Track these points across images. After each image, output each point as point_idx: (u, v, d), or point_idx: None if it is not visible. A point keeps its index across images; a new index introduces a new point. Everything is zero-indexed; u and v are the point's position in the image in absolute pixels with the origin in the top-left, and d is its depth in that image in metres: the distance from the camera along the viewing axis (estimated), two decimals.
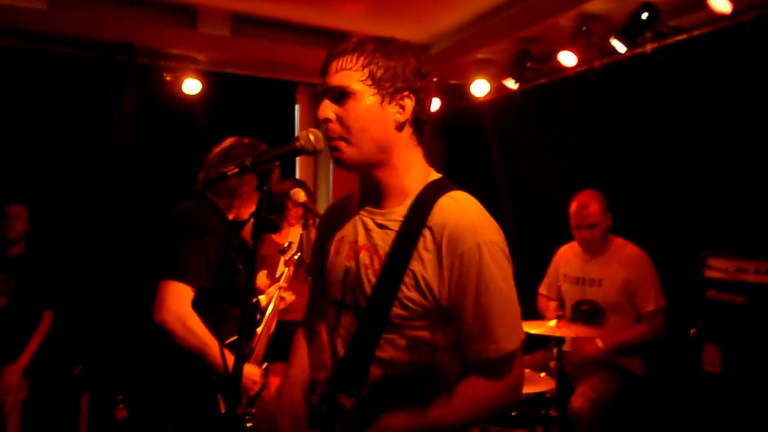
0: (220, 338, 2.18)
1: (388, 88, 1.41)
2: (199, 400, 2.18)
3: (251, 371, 2.33)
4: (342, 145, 1.42)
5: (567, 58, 3.76)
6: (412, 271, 1.39)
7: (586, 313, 3.42)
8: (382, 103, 1.41)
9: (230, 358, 2.09)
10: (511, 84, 4.25)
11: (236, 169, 1.36)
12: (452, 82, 5.07)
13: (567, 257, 3.65)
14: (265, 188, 1.34)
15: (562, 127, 4.28)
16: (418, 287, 1.38)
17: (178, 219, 2.29)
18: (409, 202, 1.45)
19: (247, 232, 2.85)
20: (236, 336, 2.24)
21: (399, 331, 1.41)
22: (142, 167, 4.27)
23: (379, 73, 1.40)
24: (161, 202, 2.67)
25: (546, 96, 4.39)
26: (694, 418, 2.87)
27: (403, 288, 1.39)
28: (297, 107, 5.24)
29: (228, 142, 2.41)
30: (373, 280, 1.43)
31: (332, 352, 1.53)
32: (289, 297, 3.05)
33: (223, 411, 2.15)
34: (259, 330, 2.57)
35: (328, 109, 1.42)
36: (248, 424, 2.31)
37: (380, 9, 4.20)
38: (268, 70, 4.81)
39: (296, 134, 1.42)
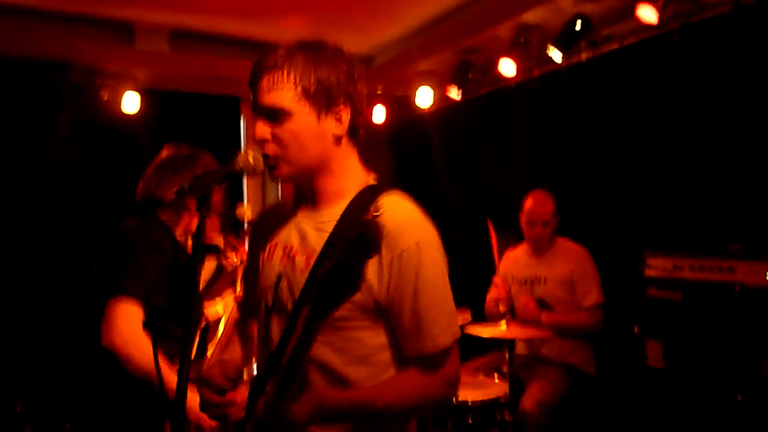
0: (170, 361, 2.12)
1: (322, 101, 1.40)
2: (145, 428, 2.10)
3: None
4: (278, 164, 1.41)
5: (507, 68, 3.85)
6: (349, 270, 1.36)
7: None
8: (318, 119, 1.40)
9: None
10: (454, 94, 4.32)
11: (173, 195, 1.34)
12: (397, 94, 5.12)
13: (513, 260, 3.75)
14: (204, 212, 1.32)
15: (506, 135, 4.37)
16: (354, 285, 1.32)
17: (122, 237, 2.18)
18: (344, 203, 1.45)
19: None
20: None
21: (334, 332, 1.39)
22: (82, 188, 4.12)
23: (312, 88, 1.39)
24: (103, 223, 2.57)
25: (489, 105, 4.48)
26: (642, 413, 2.96)
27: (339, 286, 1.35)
28: (242, 121, 5.18)
29: (165, 153, 2.29)
30: (305, 280, 1.40)
31: (264, 356, 1.51)
32: None
33: None
34: (211, 350, 2.51)
35: (262, 130, 1.41)
36: None
37: (321, 21, 4.19)
38: (211, 85, 4.74)
39: (235, 157, 1.41)
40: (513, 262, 3.73)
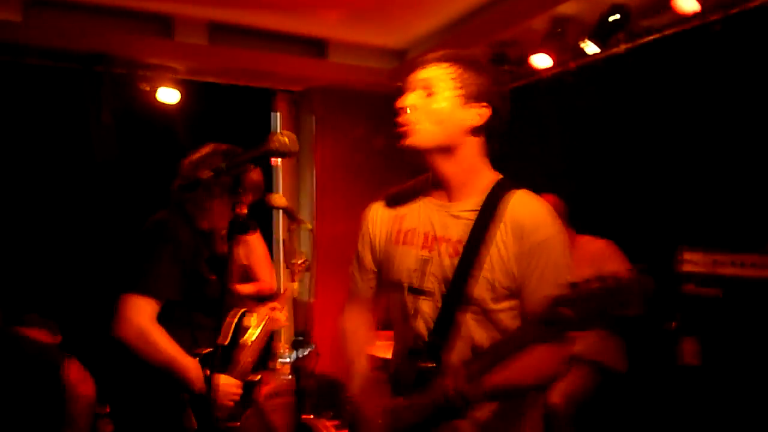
0: (188, 350, 2.16)
1: (470, 94, 1.54)
2: (166, 416, 2.15)
3: (228, 383, 2.22)
4: (411, 129, 1.53)
5: (542, 61, 3.81)
6: (494, 255, 1.51)
7: None
8: (463, 104, 1.54)
9: (198, 371, 2.09)
10: None
11: (211, 173, 1.37)
12: None
13: None
14: (240, 189, 1.35)
15: (539, 129, 4.32)
16: (502, 270, 1.51)
17: (142, 231, 2.24)
18: (482, 196, 1.58)
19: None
20: (211, 348, 2.21)
21: (482, 314, 1.53)
22: (121, 178, 4.22)
23: (467, 82, 1.54)
24: (140, 214, 2.64)
25: (522, 99, 4.43)
26: (675, 411, 2.91)
27: (487, 269, 1.51)
28: (276, 115, 5.24)
29: (204, 149, 2.33)
30: (455, 266, 1.54)
31: (414, 337, 1.60)
32: (283, 319, 2.76)
33: (195, 426, 2.12)
34: (245, 340, 2.52)
35: (409, 99, 1.55)
36: None
37: (357, 16, 4.22)
38: (247, 78, 4.81)
39: (270, 137, 1.44)
40: None
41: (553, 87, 4.12)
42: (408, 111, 1.54)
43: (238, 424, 2.27)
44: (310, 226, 2.83)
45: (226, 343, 2.26)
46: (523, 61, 4.09)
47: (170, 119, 4.36)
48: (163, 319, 2.14)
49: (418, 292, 1.60)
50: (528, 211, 1.55)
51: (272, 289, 2.83)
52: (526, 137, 4.45)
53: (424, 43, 4.59)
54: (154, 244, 2.16)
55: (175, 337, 2.14)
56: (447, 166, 1.59)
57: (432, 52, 1.60)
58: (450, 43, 4.31)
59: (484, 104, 1.55)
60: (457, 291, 1.53)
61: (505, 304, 1.54)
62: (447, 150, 1.57)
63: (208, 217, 2.30)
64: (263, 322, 2.60)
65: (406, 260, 1.62)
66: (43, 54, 4.03)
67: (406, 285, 1.62)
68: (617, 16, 3.36)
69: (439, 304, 1.56)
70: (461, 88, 1.54)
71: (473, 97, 1.54)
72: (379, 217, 1.74)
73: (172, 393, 2.12)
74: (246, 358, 2.35)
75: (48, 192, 4.17)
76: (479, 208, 1.55)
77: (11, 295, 3.46)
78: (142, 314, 2.07)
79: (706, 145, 3.35)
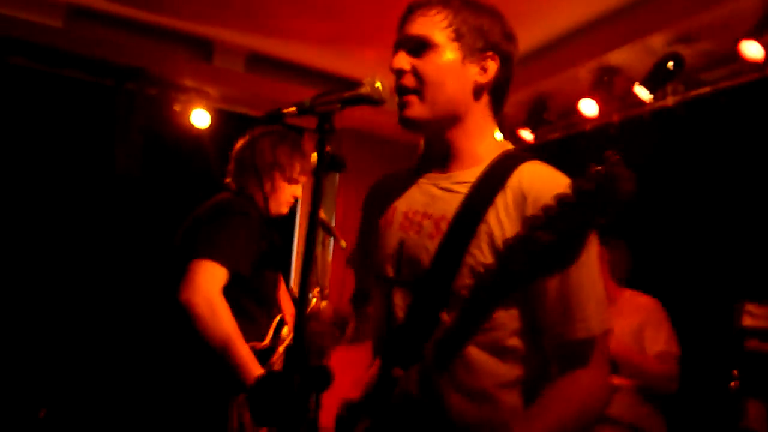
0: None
1: (472, 45, 1.30)
2: (210, 413, 1.89)
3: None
4: (414, 99, 1.30)
5: (588, 108, 3.72)
6: (488, 235, 1.21)
7: None
8: (464, 60, 1.30)
9: (255, 361, 1.85)
10: (526, 136, 4.20)
11: (294, 108, 1.22)
12: None
13: None
14: (326, 126, 1.18)
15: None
16: (494, 252, 1.19)
17: (213, 206, 2.12)
18: (483, 166, 1.31)
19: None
20: (256, 342, 2.01)
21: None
22: (145, 196, 4.10)
23: (464, 28, 1.30)
24: (158, 232, 2.53)
25: (562, 151, 4.33)
26: None
27: (475, 253, 1.20)
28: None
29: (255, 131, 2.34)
30: (436, 247, 1.25)
31: (388, 331, 1.31)
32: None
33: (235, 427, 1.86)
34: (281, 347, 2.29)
35: (403, 60, 1.31)
36: None
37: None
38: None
39: (362, 82, 1.28)
40: None
41: (596, 139, 4.03)
42: (400, 77, 1.31)
43: None
44: (344, 244, 2.67)
45: (269, 345, 2.03)
46: (567, 111, 4.02)
47: (198, 143, 4.26)
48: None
49: (392, 282, 1.32)
50: (538, 177, 1.25)
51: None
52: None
53: None
54: (228, 215, 2.03)
55: None
56: (454, 136, 1.33)
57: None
58: None
59: (489, 55, 1.31)
60: (434, 280, 1.23)
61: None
62: (451, 120, 1.31)
63: (265, 202, 2.19)
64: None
65: (387, 244, 1.36)
66: (78, 64, 3.97)
67: (382, 273, 1.35)
68: (671, 65, 3.29)
69: (414, 296, 1.26)
70: (458, 38, 1.29)
71: (476, 49, 1.30)
72: (371, 206, 1.50)
73: (220, 389, 1.88)
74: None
75: (64, 200, 4.06)
76: (477, 180, 1.28)
77: None
78: (213, 281, 1.89)
79: (759, 197, 3.21)
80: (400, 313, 1.29)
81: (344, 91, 1.25)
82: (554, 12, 3.46)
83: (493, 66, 1.32)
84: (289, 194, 2.29)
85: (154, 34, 3.96)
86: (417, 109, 1.30)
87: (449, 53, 1.29)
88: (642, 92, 3.40)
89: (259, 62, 4.29)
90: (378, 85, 1.27)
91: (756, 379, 2.65)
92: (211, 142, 4.29)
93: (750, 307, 2.74)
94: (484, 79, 1.32)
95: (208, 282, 1.87)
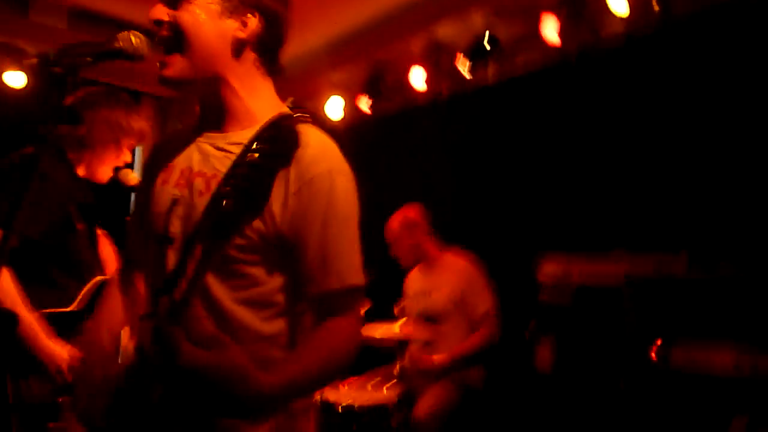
0: (37, 306, 1.86)
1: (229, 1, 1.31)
2: None
3: (57, 350, 1.92)
4: (174, 59, 1.30)
5: (417, 79, 3.88)
6: (256, 194, 1.26)
7: (423, 323, 3.47)
8: (221, 13, 1.31)
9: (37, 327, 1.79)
10: (364, 105, 4.31)
11: (34, 59, 1.18)
12: (308, 107, 5.06)
13: (412, 277, 3.76)
14: (69, 78, 1.16)
15: (410, 149, 4.41)
16: (265, 211, 1.25)
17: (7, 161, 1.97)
18: (257, 127, 1.33)
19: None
20: (60, 308, 1.93)
21: (229, 265, 1.26)
22: None
23: None
24: None
25: (399, 123, 4.51)
26: (532, 419, 2.93)
27: (240, 212, 1.25)
28: None
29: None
30: (204, 205, 1.27)
31: (153, 293, 1.33)
32: None
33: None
34: None
35: (160, 11, 1.30)
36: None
37: None
38: (108, 74, 4.46)
39: (116, 35, 1.27)
40: (412, 279, 3.75)
41: (429, 111, 4.22)
42: (159, 29, 1.29)
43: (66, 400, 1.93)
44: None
45: (77, 309, 1.95)
46: (401, 83, 4.17)
47: (16, 103, 3.92)
48: (15, 267, 1.82)
49: (162, 239, 1.32)
50: (308, 141, 1.29)
51: None
52: (397, 159, 4.54)
53: (301, 60, 4.55)
54: (15, 177, 1.87)
55: (25, 291, 1.85)
56: (224, 93, 1.34)
57: None
58: (327, 60, 4.32)
59: (249, 11, 1.32)
60: (198, 236, 1.24)
61: (255, 257, 1.26)
62: (213, 78, 1.32)
63: (85, 163, 2.06)
64: None
65: (161, 202, 1.35)
66: None
67: (154, 232, 1.35)
68: (488, 43, 3.51)
69: (181, 253, 1.27)
70: None
71: (236, 3, 1.30)
72: (152, 162, 1.46)
73: None
74: None
75: None
76: (249, 141, 1.30)
77: None
78: None
79: (558, 161, 3.54)
80: (168, 272, 1.29)
81: (96, 45, 1.23)
82: None
83: (253, 22, 1.33)
84: (110, 162, 2.18)
85: None
86: (176, 67, 1.31)
87: (207, 4, 1.30)
88: (462, 68, 3.60)
89: (83, 18, 3.99)
90: (134, 39, 1.26)
91: (546, 327, 2.98)
92: (30, 102, 3.96)
93: (545, 263, 3.05)
94: (243, 34, 1.32)
95: None
